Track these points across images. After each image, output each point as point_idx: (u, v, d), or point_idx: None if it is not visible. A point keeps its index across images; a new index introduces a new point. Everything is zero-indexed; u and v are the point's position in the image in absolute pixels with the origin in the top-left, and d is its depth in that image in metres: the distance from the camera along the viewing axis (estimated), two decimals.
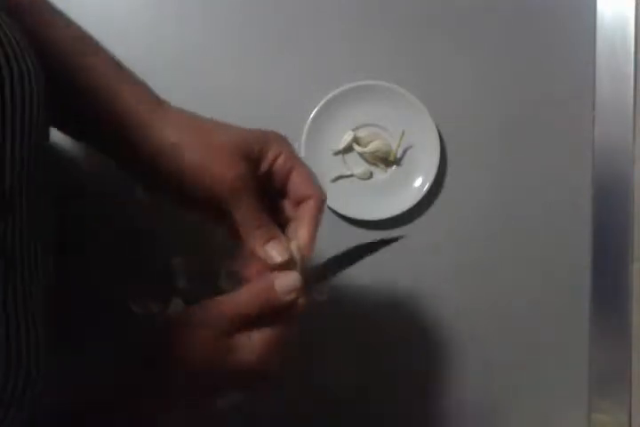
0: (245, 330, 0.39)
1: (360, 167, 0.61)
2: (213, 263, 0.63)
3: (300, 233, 0.43)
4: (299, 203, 0.43)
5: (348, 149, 0.61)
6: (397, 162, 0.61)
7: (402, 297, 0.61)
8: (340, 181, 0.61)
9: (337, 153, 0.61)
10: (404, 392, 0.62)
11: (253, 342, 0.39)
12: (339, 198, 0.60)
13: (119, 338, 0.61)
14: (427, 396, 0.62)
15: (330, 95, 0.60)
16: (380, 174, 0.62)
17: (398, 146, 0.60)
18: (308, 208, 0.43)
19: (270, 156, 0.42)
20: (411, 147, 0.61)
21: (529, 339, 0.62)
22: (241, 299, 0.39)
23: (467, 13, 0.62)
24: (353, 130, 0.60)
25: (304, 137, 0.60)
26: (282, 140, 0.43)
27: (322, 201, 0.43)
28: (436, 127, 0.60)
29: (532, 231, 0.62)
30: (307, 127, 0.60)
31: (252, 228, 0.41)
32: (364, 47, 0.62)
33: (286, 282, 0.40)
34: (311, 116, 0.60)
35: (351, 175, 0.61)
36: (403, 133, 0.60)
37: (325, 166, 0.61)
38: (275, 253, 0.42)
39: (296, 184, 0.43)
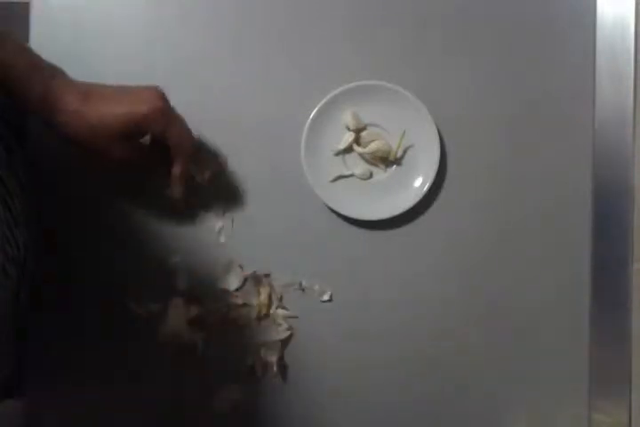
0: None
1: (360, 167, 0.61)
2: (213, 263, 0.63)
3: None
4: None
5: (348, 149, 0.61)
6: (397, 162, 0.61)
7: (401, 297, 0.61)
8: (340, 181, 0.61)
9: (337, 153, 0.61)
10: (402, 394, 0.62)
11: None
12: (339, 198, 0.60)
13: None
14: (426, 396, 0.62)
15: (330, 95, 0.60)
16: (380, 174, 0.61)
17: (398, 146, 0.60)
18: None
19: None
20: (411, 147, 0.61)
21: (529, 339, 0.62)
22: None
23: (467, 13, 0.62)
24: (353, 130, 0.60)
25: (304, 137, 0.60)
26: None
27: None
28: (436, 127, 0.60)
29: (532, 231, 0.62)
30: (307, 127, 0.60)
31: (187, 149, 0.54)
32: (364, 47, 0.62)
33: None
34: (311, 116, 0.60)
35: (351, 175, 0.61)
36: (403, 133, 0.60)
37: (325, 166, 0.61)
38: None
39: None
